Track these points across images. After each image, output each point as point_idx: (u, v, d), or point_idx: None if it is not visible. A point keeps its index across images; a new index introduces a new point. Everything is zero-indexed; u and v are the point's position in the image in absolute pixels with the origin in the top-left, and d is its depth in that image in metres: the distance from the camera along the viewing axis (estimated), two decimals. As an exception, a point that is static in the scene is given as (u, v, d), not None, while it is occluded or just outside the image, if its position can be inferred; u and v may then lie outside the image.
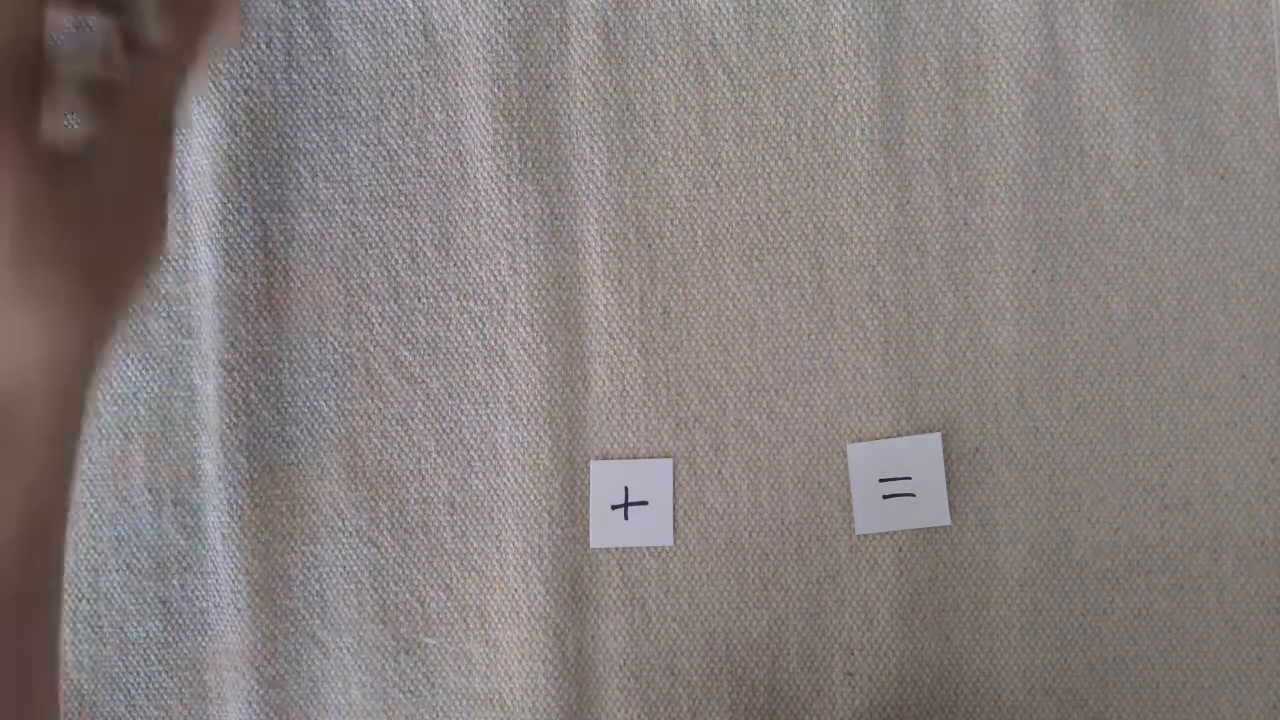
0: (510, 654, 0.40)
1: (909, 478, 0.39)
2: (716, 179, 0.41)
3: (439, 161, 0.41)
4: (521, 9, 0.41)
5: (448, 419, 0.41)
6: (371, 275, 0.41)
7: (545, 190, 0.41)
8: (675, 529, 0.40)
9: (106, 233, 0.31)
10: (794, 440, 0.40)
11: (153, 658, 0.41)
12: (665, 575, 0.40)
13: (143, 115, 0.31)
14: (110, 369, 0.42)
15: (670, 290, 0.41)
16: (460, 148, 0.41)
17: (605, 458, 0.40)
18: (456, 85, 0.41)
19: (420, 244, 0.41)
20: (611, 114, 0.41)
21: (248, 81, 0.42)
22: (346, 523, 0.41)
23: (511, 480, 0.41)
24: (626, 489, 0.40)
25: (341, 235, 0.41)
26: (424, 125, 0.41)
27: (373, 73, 0.42)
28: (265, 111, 0.42)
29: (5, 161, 0.28)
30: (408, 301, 0.41)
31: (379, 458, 0.41)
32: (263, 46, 0.42)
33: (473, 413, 0.41)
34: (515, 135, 0.41)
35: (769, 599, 0.40)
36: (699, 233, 0.41)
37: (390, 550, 0.41)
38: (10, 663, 0.30)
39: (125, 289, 0.32)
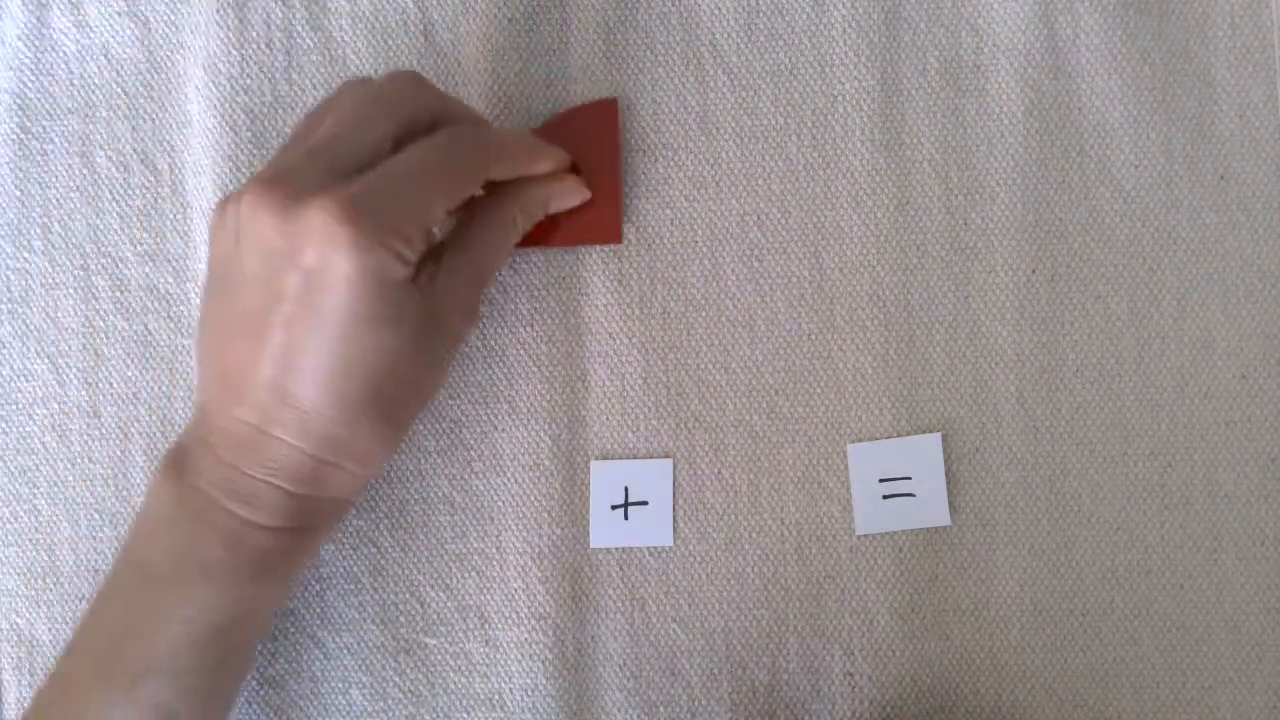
0: (510, 654, 0.40)
1: (909, 478, 0.39)
2: (716, 179, 0.41)
3: (438, 161, 0.41)
4: (521, 9, 0.41)
5: (447, 419, 0.41)
6: (371, 275, 0.41)
7: (545, 190, 0.41)
8: (675, 529, 0.40)
9: (435, 361, 0.36)
10: (794, 440, 0.40)
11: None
12: (665, 575, 0.40)
13: (472, 270, 0.36)
14: (110, 369, 0.42)
15: (670, 290, 0.41)
16: (460, 148, 0.41)
17: (605, 458, 0.40)
18: (456, 85, 0.41)
19: (420, 244, 0.41)
20: (611, 114, 0.41)
21: (247, 81, 0.41)
22: (346, 523, 0.41)
23: (511, 480, 0.41)
24: (626, 489, 0.40)
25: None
26: (423, 125, 0.41)
27: (372, 72, 0.42)
28: (264, 111, 0.42)
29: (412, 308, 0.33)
30: (407, 301, 0.41)
31: (379, 458, 0.41)
32: (263, 46, 0.42)
33: (473, 413, 0.41)
34: (515, 135, 0.41)
35: (769, 599, 0.40)
36: (699, 233, 0.41)
37: (390, 550, 0.41)
38: None
39: (425, 404, 0.38)
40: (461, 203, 0.35)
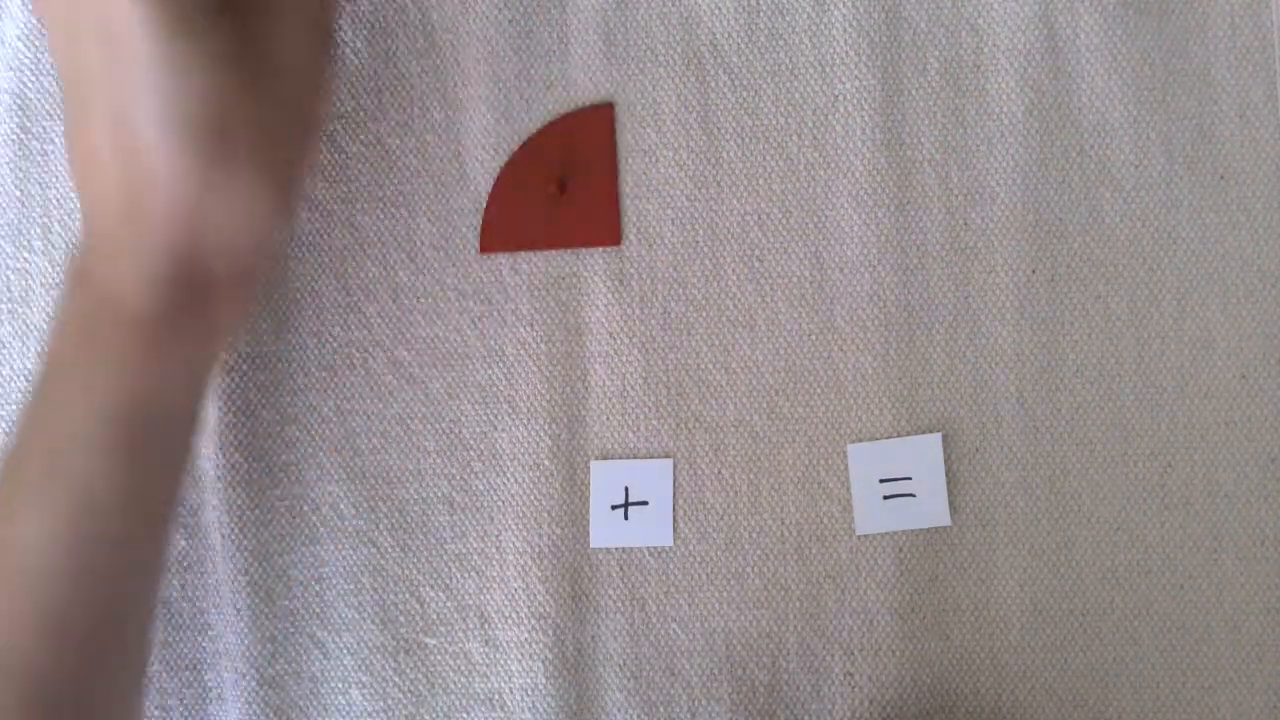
0: (510, 654, 0.40)
1: (909, 478, 0.39)
2: (717, 179, 0.41)
3: (438, 161, 0.41)
4: (521, 9, 0.41)
5: (447, 419, 0.41)
6: (370, 275, 0.41)
7: (545, 190, 0.41)
8: (675, 529, 0.40)
9: (286, 93, 0.33)
10: (794, 440, 0.40)
11: (153, 658, 0.41)
12: (665, 575, 0.40)
13: None
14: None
15: (670, 290, 0.41)
16: (459, 148, 0.41)
17: (605, 458, 0.40)
18: (456, 85, 0.41)
19: (419, 244, 0.41)
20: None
21: (247, 81, 0.41)
22: (346, 523, 0.41)
23: (511, 480, 0.41)
24: (626, 489, 0.40)
25: (340, 235, 0.41)
26: (423, 125, 0.41)
27: (372, 72, 0.42)
28: (264, 111, 0.41)
29: (205, 29, 0.30)
30: (407, 301, 0.41)
31: (378, 458, 0.41)
32: (262, 46, 0.42)
33: (472, 413, 0.41)
34: (515, 136, 0.41)
35: (769, 599, 0.40)
36: (699, 232, 0.41)
37: (390, 550, 0.41)
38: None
39: (304, 150, 0.35)
40: None
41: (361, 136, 0.41)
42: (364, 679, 0.40)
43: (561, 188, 0.40)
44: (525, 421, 0.41)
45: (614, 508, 0.40)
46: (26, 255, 0.42)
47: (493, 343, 0.41)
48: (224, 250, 0.34)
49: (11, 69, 0.42)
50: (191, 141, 0.31)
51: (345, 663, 0.40)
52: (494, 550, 0.40)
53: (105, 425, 0.33)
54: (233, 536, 0.40)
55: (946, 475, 0.39)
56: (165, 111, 0.31)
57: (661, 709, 0.40)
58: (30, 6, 0.38)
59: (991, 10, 0.40)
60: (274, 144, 0.34)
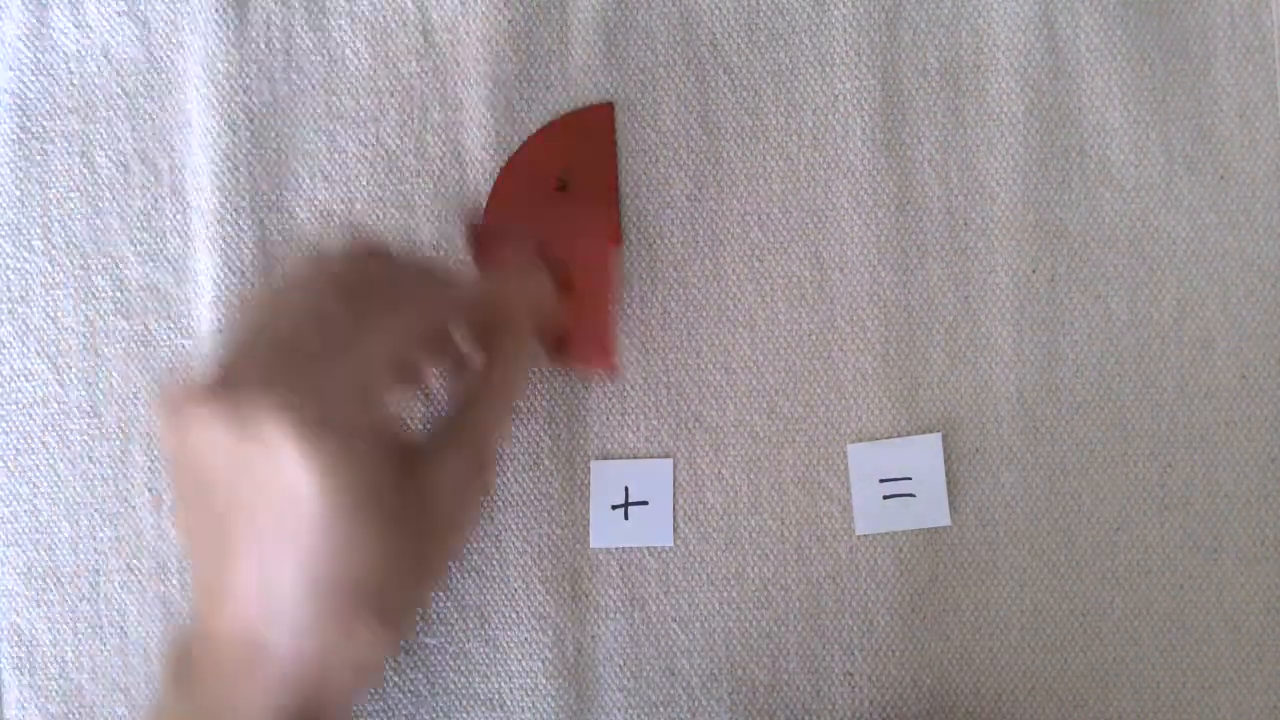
0: (510, 654, 0.40)
1: (909, 478, 0.39)
2: (717, 179, 0.41)
3: (438, 162, 0.41)
4: (521, 9, 0.41)
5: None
6: (371, 275, 0.41)
7: (545, 190, 0.41)
8: (675, 529, 0.40)
9: (435, 549, 0.34)
10: (794, 440, 0.40)
11: (153, 658, 0.41)
12: (665, 575, 0.40)
13: (475, 427, 0.34)
14: (110, 369, 0.42)
15: (670, 290, 0.41)
16: (459, 148, 0.41)
17: (605, 458, 0.40)
18: (455, 86, 0.41)
19: (419, 245, 0.41)
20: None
21: (246, 81, 0.41)
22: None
23: (511, 480, 0.41)
24: (626, 489, 0.40)
25: (340, 236, 0.41)
26: (422, 126, 0.41)
27: (371, 73, 0.42)
28: (264, 112, 0.42)
29: (376, 457, 0.30)
30: (407, 302, 0.41)
31: (379, 458, 0.41)
32: (261, 47, 0.42)
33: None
34: (515, 136, 0.41)
35: (769, 599, 0.40)
36: (699, 233, 0.41)
37: (390, 551, 0.41)
38: None
39: (430, 592, 0.37)
40: (431, 359, 0.34)
41: (361, 136, 0.41)
42: (364, 679, 0.40)
43: (561, 187, 0.40)
44: (525, 421, 0.41)
45: (614, 508, 0.40)
46: (26, 255, 0.42)
47: (493, 343, 0.41)
48: (346, 696, 0.33)
49: (11, 69, 0.42)
50: (334, 603, 0.31)
51: (345, 663, 0.40)
52: (494, 550, 0.40)
53: None
54: (233, 536, 0.40)
55: (946, 475, 0.39)
56: (317, 572, 0.30)
57: (661, 709, 0.40)
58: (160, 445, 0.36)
59: (991, 10, 0.40)
60: (411, 602, 0.34)
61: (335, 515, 0.29)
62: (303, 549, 0.29)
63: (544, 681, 0.40)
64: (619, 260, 0.41)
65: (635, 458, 0.40)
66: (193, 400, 0.29)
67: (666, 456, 0.40)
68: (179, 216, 0.42)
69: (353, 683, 0.33)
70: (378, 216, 0.41)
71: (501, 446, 0.40)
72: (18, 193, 0.42)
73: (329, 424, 0.29)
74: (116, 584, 0.41)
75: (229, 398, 0.29)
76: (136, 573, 0.41)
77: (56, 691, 0.41)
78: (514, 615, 0.40)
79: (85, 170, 0.42)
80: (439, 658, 0.40)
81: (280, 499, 0.29)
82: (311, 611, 0.30)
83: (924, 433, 0.40)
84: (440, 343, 0.34)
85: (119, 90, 0.42)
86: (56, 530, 0.41)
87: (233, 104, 0.41)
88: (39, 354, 0.42)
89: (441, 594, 0.40)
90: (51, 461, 0.42)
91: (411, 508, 0.32)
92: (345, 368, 0.30)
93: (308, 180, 0.41)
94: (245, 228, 0.41)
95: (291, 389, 0.29)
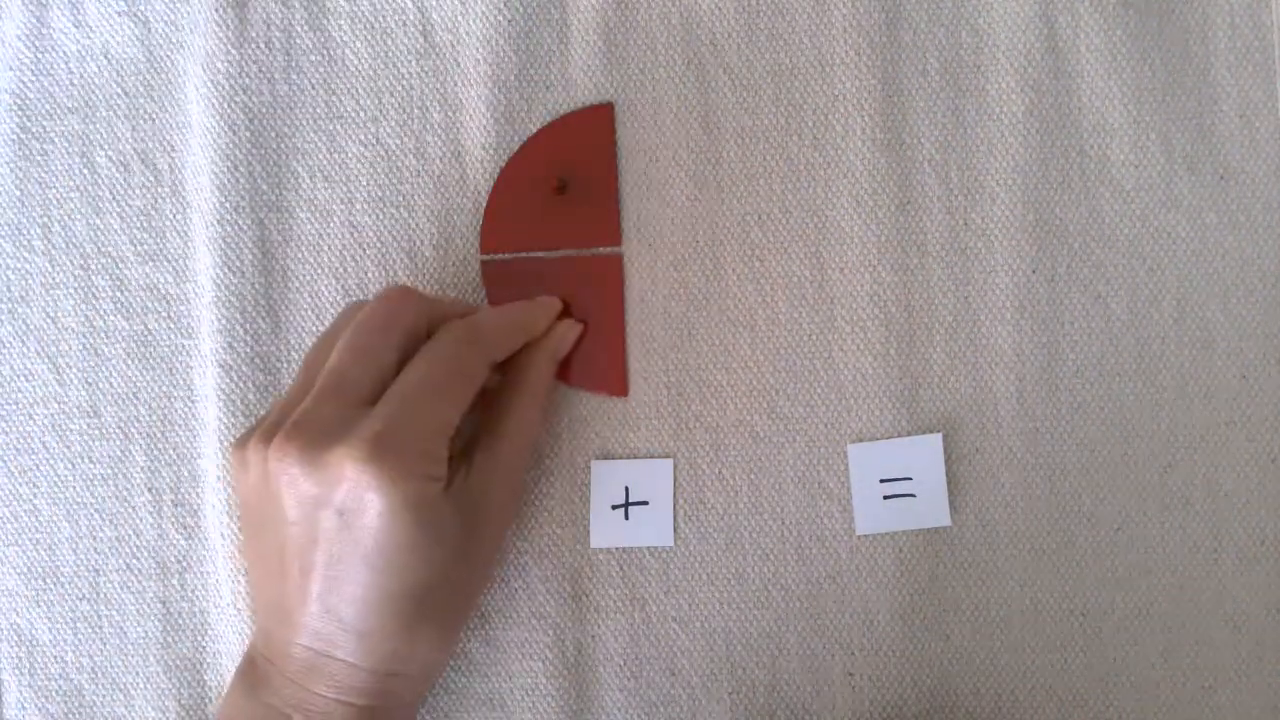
0: (510, 654, 0.40)
1: (909, 478, 0.39)
2: (717, 179, 0.41)
3: (437, 162, 0.41)
4: (521, 9, 0.41)
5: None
6: (369, 276, 0.41)
7: (545, 190, 0.41)
8: (676, 529, 0.40)
9: (484, 557, 0.37)
10: (794, 440, 0.40)
11: (152, 658, 0.41)
12: (665, 575, 0.40)
13: (506, 462, 0.37)
14: (110, 369, 0.42)
15: (671, 290, 0.41)
16: (459, 148, 0.41)
17: (605, 458, 0.40)
18: (455, 86, 0.41)
19: (419, 245, 0.41)
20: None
21: (246, 81, 0.41)
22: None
23: (511, 480, 0.41)
24: (627, 489, 0.40)
25: (339, 236, 0.41)
26: (422, 126, 0.41)
27: (371, 73, 0.42)
28: (263, 112, 0.42)
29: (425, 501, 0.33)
30: (407, 302, 0.41)
31: (379, 458, 0.41)
32: (261, 46, 0.42)
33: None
34: (515, 136, 0.41)
35: (769, 599, 0.40)
36: (699, 233, 0.41)
37: (390, 551, 0.41)
38: None
39: (480, 597, 0.39)
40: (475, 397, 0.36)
41: (361, 136, 0.41)
42: (364, 679, 0.40)
43: (561, 188, 0.40)
44: (525, 421, 0.41)
45: (614, 508, 0.40)
46: (26, 255, 0.42)
47: (493, 343, 0.41)
48: (411, 695, 0.36)
49: (11, 69, 0.42)
50: (400, 613, 0.34)
51: (345, 663, 0.40)
52: (494, 550, 0.40)
53: None
54: (233, 536, 0.40)
55: (947, 475, 0.39)
56: (386, 587, 0.33)
57: (661, 709, 0.40)
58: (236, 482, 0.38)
59: (991, 10, 0.40)
60: (465, 608, 0.37)
61: (400, 533, 0.33)
62: (373, 567, 0.33)
63: (544, 681, 0.40)
64: (622, 274, 0.41)
65: (635, 458, 0.40)
66: (273, 439, 0.33)
67: (666, 456, 0.40)
68: (179, 216, 0.42)
69: (416, 685, 0.36)
70: (378, 216, 0.41)
71: (532, 448, 0.41)
72: (18, 193, 0.42)
73: (391, 455, 0.32)
74: (116, 584, 0.41)
75: (302, 433, 0.33)
76: (136, 573, 0.41)
77: (56, 691, 0.41)
78: (514, 615, 0.40)
79: (85, 170, 0.42)
80: (439, 658, 0.40)
81: (353, 520, 0.33)
82: (378, 622, 0.33)
83: (924, 433, 0.40)
84: (476, 370, 0.36)
85: (119, 90, 0.42)
86: (56, 530, 0.41)
87: (233, 104, 0.41)
88: (39, 354, 0.42)
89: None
90: (51, 461, 0.42)
91: (461, 523, 0.35)
92: (396, 403, 0.33)
93: (308, 180, 0.41)
94: (245, 228, 0.41)
95: (351, 430, 0.33)
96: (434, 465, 0.34)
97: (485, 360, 0.36)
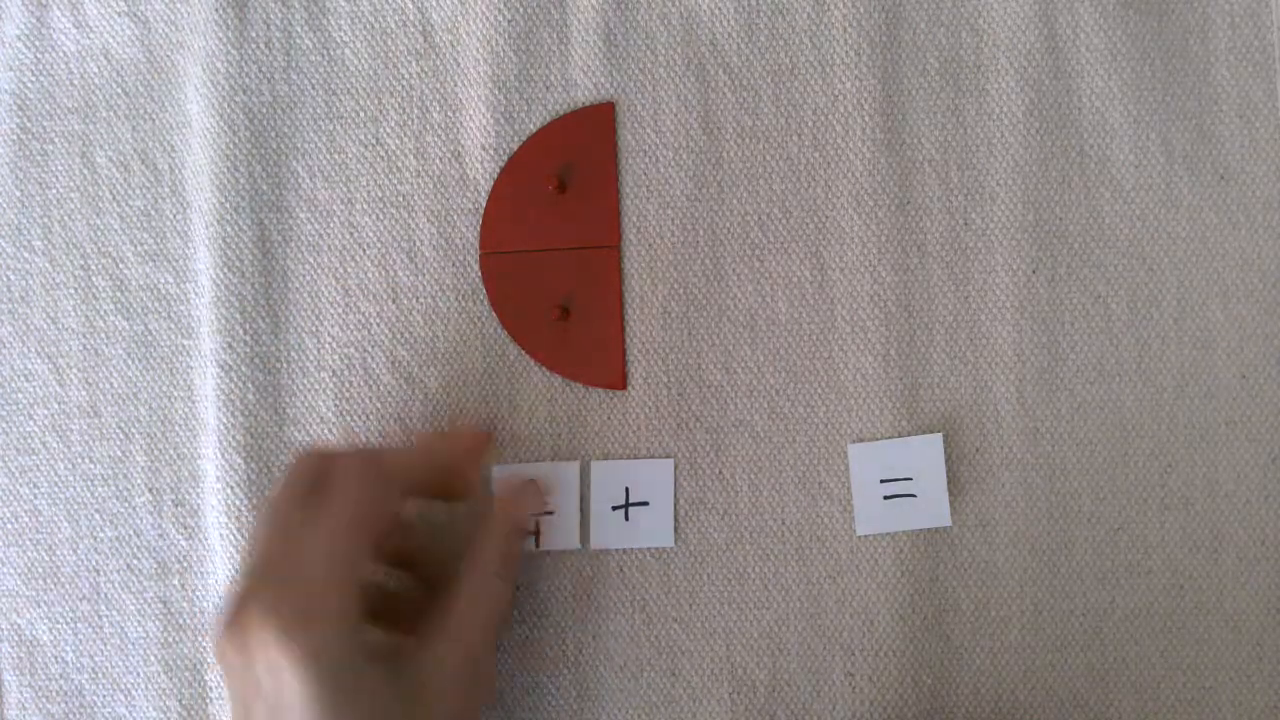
0: (510, 654, 0.40)
1: (910, 478, 0.39)
2: (717, 179, 0.41)
3: (437, 162, 0.41)
4: (521, 9, 0.41)
5: (446, 418, 0.41)
6: (369, 276, 0.41)
7: (545, 190, 0.41)
8: (676, 529, 0.40)
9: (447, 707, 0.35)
10: (794, 440, 0.40)
11: (153, 658, 0.41)
12: (665, 575, 0.40)
13: (457, 635, 0.35)
14: (110, 369, 0.42)
15: (671, 290, 0.41)
16: (459, 149, 0.41)
17: (605, 458, 0.40)
18: (455, 86, 0.41)
19: (418, 245, 0.41)
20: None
21: (246, 81, 0.41)
22: (346, 523, 0.41)
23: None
24: (627, 489, 0.40)
25: (339, 236, 0.41)
26: (422, 126, 0.41)
27: (371, 73, 0.42)
28: (264, 112, 0.42)
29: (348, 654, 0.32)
30: (405, 302, 0.41)
31: (379, 458, 0.41)
32: (261, 47, 0.42)
33: (472, 412, 0.41)
34: (515, 136, 0.41)
35: (769, 599, 0.40)
36: (699, 233, 0.41)
37: (390, 551, 0.41)
38: None
39: None
40: (383, 536, 0.35)
41: (361, 136, 0.41)
42: (364, 679, 0.40)
43: (561, 188, 0.40)
44: (526, 421, 0.41)
45: (614, 508, 0.40)
46: (26, 255, 0.42)
47: (492, 343, 0.41)
48: None
49: (11, 69, 0.42)
50: None
51: (345, 663, 0.40)
52: (494, 550, 0.40)
53: None
54: (232, 536, 0.40)
55: (947, 475, 0.39)
56: None
57: (661, 709, 0.40)
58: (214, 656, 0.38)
59: (991, 10, 0.40)
60: None
61: (318, 705, 0.31)
62: None
63: (544, 681, 0.40)
64: (619, 269, 0.41)
65: (636, 458, 0.40)
66: (214, 635, 0.33)
67: (667, 456, 0.40)
68: (179, 216, 0.42)
69: None
70: (378, 216, 0.41)
71: (502, 637, 0.40)
72: (18, 193, 0.42)
73: (305, 623, 0.31)
74: (116, 584, 0.41)
75: (231, 625, 0.32)
76: (136, 573, 0.41)
77: (57, 691, 0.41)
78: (514, 615, 0.40)
79: (85, 170, 0.42)
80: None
81: (274, 698, 0.32)
82: None
83: (924, 433, 0.40)
84: (389, 520, 0.35)
85: (119, 90, 0.42)
86: (56, 530, 0.41)
87: (233, 104, 0.41)
88: (39, 354, 0.42)
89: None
90: (51, 461, 0.42)
91: (399, 694, 0.33)
92: (310, 570, 0.33)
93: (308, 180, 0.41)
94: (245, 228, 0.41)
95: (268, 604, 0.32)
96: (339, 620, 0.32)
97: (382, 504, 0.35)
